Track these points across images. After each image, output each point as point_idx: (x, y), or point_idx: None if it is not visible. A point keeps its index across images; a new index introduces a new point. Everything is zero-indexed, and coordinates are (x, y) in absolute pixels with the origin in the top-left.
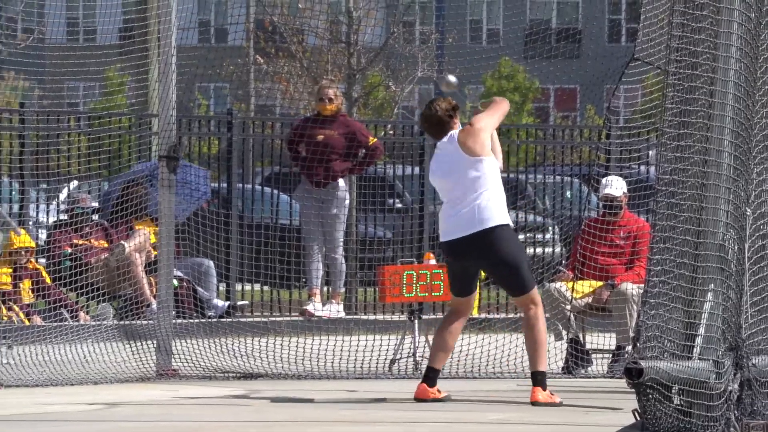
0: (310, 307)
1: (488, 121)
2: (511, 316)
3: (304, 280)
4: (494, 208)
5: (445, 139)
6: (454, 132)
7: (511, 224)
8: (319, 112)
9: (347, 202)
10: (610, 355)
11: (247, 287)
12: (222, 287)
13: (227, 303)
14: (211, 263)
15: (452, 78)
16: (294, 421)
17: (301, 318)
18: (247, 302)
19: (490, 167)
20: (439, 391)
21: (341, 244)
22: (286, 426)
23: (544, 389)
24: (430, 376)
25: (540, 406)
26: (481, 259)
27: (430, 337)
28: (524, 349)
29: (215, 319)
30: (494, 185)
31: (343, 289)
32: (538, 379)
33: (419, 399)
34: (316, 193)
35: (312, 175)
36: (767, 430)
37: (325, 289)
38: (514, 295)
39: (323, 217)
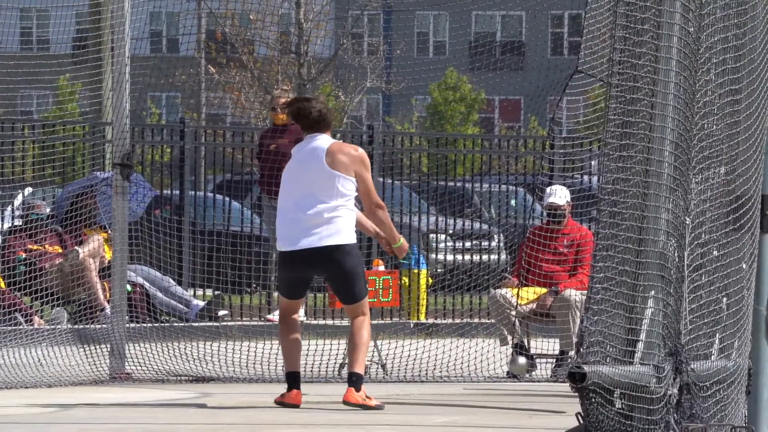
0: (273, 315)
1: (372, 189)
2: (457, 321)
3: (255, 285)
4: (346, 225)
5: (317, 137)
6: (327, 137)
7: (355, 241)
8: (272, 122)
9: None
10: (554, 360)
11: (199, 292)
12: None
13: (203, 303)
14: (158, 275)
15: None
16: (245, 424)
17: (252, 323)
18: (227, 312)
19: (349, 188)
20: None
21: None
22: (237, 428)
23: (358, 390)
24: (296, 379)
25: (355, 408)
26: (324, 271)
27: (379, 342)
28: (470, 353)
29: (167, 323)
30: (349, 204)
31: None
32: (353, 380)
33: (291, 405)
34: (272, 203)
35: (265, 183)
36: None
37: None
38: (347, 303)
39: None
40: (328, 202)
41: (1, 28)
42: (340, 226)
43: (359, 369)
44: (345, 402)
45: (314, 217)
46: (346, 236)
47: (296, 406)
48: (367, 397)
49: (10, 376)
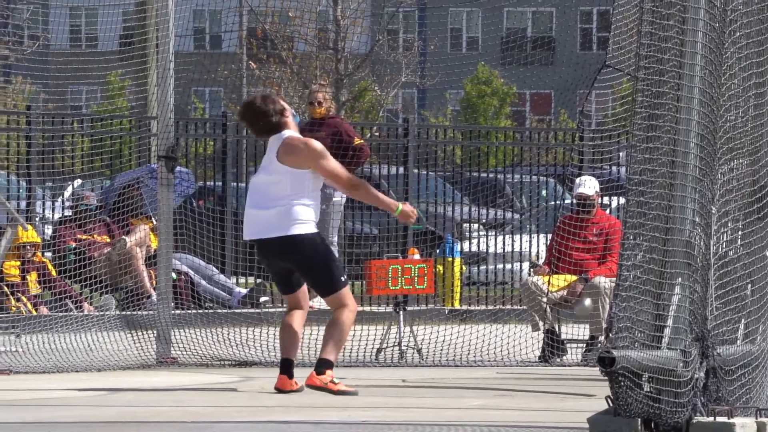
0: (315, 303)
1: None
2: (490, 307)
3: None
4: (297, 216)
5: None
6: (283, 134)
7: (313, 230)
8: (311, 116)
9: (336, 200)
10: (584, 345)
11: (242, 280)
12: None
13: (245, 291)
14: (203, 263)
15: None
16: (286, 407)
17: None
18: (268, 298)
19: (297, 178)
20: (296, 383)
21: (333, 240)
22: (277, 411)
23: (319, 374)
24: (288, 368)
25: (318, 390)
26: (288, 262)
27: (415, 328)
28: (503, 338)
29: (211, 310)
30: (300, 195)
31: None
32: (317, 364)
33: (281, 390)
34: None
35: None
36: (731, 416)
37: None
38: (323, 296)
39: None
40: None
41: (53, 26)
42: None
43: (327, 355)
44: (307, 386)
45: None
46: None
47: (280, 390)
48: (333, 381)
49: (61, 360)
